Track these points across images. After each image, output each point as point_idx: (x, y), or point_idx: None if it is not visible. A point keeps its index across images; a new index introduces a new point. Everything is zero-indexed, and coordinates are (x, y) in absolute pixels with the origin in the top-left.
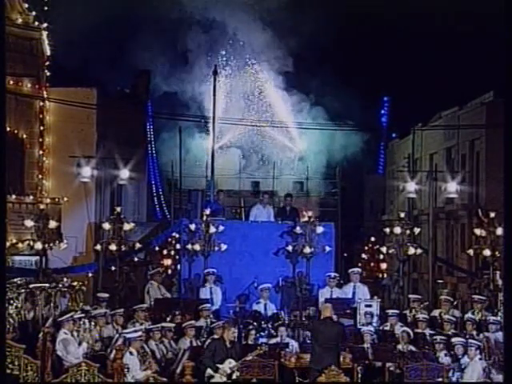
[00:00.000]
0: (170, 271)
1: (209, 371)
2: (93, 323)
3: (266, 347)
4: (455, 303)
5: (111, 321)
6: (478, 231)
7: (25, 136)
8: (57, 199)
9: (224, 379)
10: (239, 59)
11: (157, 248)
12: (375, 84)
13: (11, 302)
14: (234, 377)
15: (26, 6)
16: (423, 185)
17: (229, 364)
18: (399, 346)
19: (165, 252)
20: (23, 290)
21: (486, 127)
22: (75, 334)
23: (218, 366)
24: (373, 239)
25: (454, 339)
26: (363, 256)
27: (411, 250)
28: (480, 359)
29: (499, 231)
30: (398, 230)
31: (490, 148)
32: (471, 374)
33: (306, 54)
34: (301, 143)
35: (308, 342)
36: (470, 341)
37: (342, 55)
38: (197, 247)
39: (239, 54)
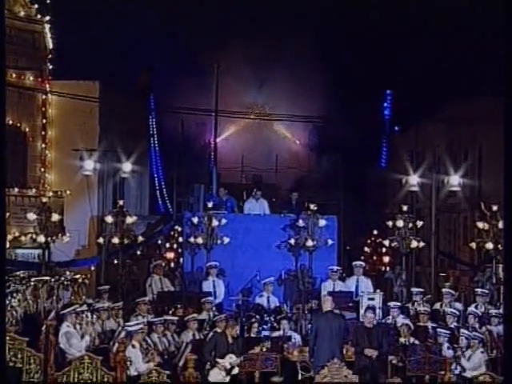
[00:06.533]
0: (172, 264)
1: (208, 365)
2: (95, 316)
3: (268, 344)
4: (457, 295)
5: (111, 314)
6: (480, 224)
7: (27, 129)
8: (59, 192)
9: (223, 374)
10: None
11: (159, 241)
12: (378, 77)
13: (14, 295)
14: (233, 372)
15: None
16: (425, 178)
17: (229, 359)
18: (401, 339)
19: (167, 245)
20: (26, 283)
21: (489, 120)
22: (78, 327)
23: (218, 360)
24: (375, 232)
25: (461, 330)
26: (366, 249)
27: (414, 243)
28: (482, 352)
29: (502, 224)
30: (400, 223)
31: (492, 141)
32: (473, 366)
33: (307, 47)
34: (303, 136)
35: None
36: (473, 333)
37: (345, 48)
38: (199, 240)
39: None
